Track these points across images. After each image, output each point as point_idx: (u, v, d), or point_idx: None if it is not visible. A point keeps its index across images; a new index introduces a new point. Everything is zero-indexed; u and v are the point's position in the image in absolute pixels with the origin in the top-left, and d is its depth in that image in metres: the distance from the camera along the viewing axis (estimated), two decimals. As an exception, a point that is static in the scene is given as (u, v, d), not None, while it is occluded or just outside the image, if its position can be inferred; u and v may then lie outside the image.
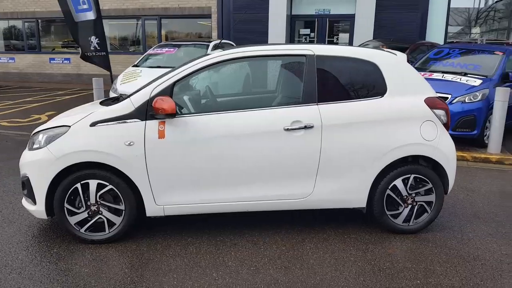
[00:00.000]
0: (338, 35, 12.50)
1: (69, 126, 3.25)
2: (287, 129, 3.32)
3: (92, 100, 7.61)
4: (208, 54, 3.49)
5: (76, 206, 3.28)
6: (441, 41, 11.27)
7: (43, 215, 3.31)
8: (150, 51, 8.86)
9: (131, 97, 3.32)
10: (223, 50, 3.50)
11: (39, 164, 3.21)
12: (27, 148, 3.46)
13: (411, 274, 2.98)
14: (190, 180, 3.31)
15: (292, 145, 3.34)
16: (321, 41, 12.42)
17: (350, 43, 12.19)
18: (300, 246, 3.37)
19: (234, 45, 9.37)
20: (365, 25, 11.47)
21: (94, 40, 7.78)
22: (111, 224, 3.34)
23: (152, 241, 3.41)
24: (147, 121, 3.24)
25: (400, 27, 11.39)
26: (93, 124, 3.23)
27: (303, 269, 3.01)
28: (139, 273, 2.93)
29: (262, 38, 12.12)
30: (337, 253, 3.27)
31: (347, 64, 3.51)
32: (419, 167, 3.53)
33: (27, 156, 3.33)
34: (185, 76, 3.35)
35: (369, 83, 3.51)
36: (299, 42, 12.64)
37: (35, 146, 3.33)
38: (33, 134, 3.46)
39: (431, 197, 3.59)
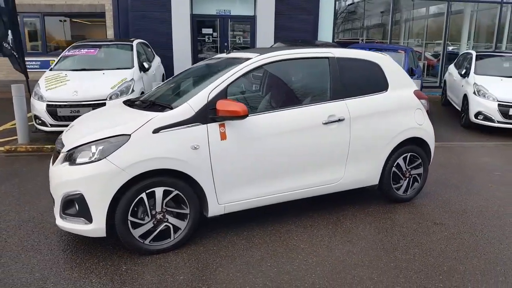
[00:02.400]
0: (240, 35, 13.08)
1: (129, 135, 3.09)
2: (325, 123, 3.75)
3: (12, 110, 6.69)
4: (248, 58, 3.66)
5: (139, 218, 3.16)
6: (329, 40, 12.80)
7: (102, 233, 3.08)
8: (65, 53, 8.09)
9: (189, 101, 3.31)
10: (239, 51, 3.73)
11: (99, 177, 2.98)
12: (63, 164, 3.13)
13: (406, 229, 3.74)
14: (248, 176, 3.49)
15: (329, 136, 3.79)
16: (224, 41, 12.83)
17: (253, 43, 12.91)
18: (339, 225, 3.85)
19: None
20: (266, 26, 12.29)
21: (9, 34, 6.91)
22: (176, 229, 3.30)
23: (204, 243, 3.46)
24: (208, 124, 3.30)
25: (297, 28, 12.54)
26: (156, 131, 3.15)
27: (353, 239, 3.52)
28: (203, 275, 3.02)
29: (165, 37, 11.94)
30: (363, 225, 3.85)
31: (359, 64, 4.09)
32: (414, 147, 4.33)
33: (75, 172, 3.03)
34: (236, 79, 3.48)
35: (376, 80, 4.16)
36: (203, 42, 12.84)
37: (82, 160, 3.06)
38: (72, 148, 3.13)
39: (421, 170, 4.44)
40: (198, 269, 3.04)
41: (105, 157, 3.01)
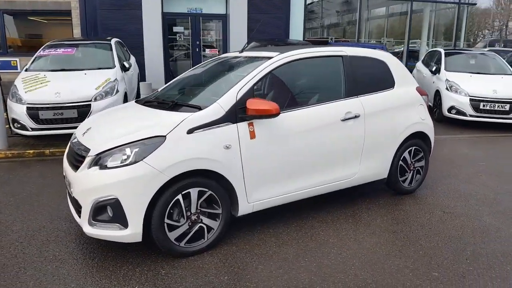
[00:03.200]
0: (211, 34, 12.99)
1: (165, 136, 3.03)
2: (343, 120, 3.86)
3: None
4: (270, 57, 3.69)
5: (175, 220, 3.10)
6: (300, 39, 13.01)
7: (137, 238, 3.00)
8: (40, 52, 7.69)
9: (218, 101, 3.29)
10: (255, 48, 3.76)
11: (136, 181, 2.90)
12: (92, 168, 3.00)
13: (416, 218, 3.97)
14: (275, 174, 3.52)
15: (346, 133, 3.90)
16: (195, 40, 12.69)
17: (225, 42, 12.87)
18: (358, 218, 3.97)
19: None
20: (239, 25, 12.30)
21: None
22: (209, 230, 3.27)
23: (234, 242, 3.45)
24: (238, 123, 3.30)
25: (270, 27, 12.65)
26: (191, 131, 3.11)
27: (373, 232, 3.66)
28: (247, 274, 3.04)
29: (136, 36, 11.64)
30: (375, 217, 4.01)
31: (368, 62, 4.24)
32: (417, 140, 4.54)
33: (108, 176, 2.92)
34: (261, 78, 3.50)
35: (384, 78, 4.32)
36: (174, 40, 12.63)
37: (114, 164, 2.95)
38: (102, 152, 3.01)
39: (423, 163, 4.67)
40: (240, 268, 3.04)
41: (141, 160, 2.93)
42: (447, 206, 4.28)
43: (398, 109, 4.30)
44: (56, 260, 3.16)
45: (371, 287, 2.82)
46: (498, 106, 8.05)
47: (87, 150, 3.12)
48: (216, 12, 12.64)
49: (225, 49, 13.01)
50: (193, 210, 3.16)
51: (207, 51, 13.02)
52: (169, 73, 12.66)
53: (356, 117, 3.93)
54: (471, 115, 8.19)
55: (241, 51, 4.21)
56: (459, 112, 8.27)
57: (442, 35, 16.89)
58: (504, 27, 45.90)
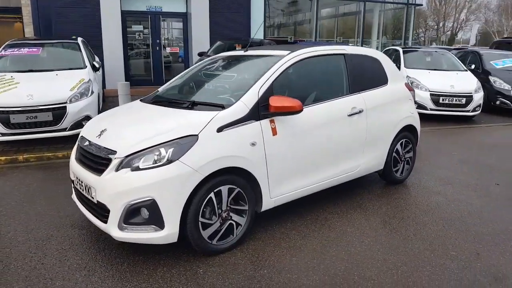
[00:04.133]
0: (171, 32, 12.77)
1: (197, 135, 3.02)
2: (349, 115, 4.05)
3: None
4: (282, 55, 3.77)
5: (207, 218, 3.10)
6: (261, 37, 13.17)
7: (173, 239, 2.97)
8: (1, 52, 7.18)
9: (242, 99, 3.32)
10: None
11: (173, 180, 2.87)
12: (123, 171, 2.91)
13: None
14: (294, 169, 3.62)
15: (352, 127, 4.09)
16: (155, 38, 12.41)
17: (187, 41, 12.71)
18: (365, 208, 4.19)
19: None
20: (201, 24, 12.21)
21: None
22: (237, 226, 3.30)
23: (259, 237, 3.51)
24: (261, 121, 3.36)
25: (232, 25, 12.68)
26: (220, 130, 3.12)
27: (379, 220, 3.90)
28: (286, 266, 3.14)
29: (94, 35, 11.17)
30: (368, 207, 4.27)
31: (365, 60, 4.46)
32: (407, 133, 4.85)
33: (143, 177, 2.86)
34: (279, 75, 3.58)
35: (379, 75, 4.57)
36: (134, 39, 12.27)
37: (147, 165, 2.89)
38: (133, 153, 2.95)
39: (411, 153, 4.99)
40: (275, 262, 3.10)
41: (177, 159, 2.90)
42: (438, 193, 4.62)
43: (392, 104, 4.57)
44: (81, 268, 3.04)
45: (403, 269, 3.01)
46: (455, 100, 8.72)
47: (113, 152, 3.03)
48: (176, 10, 12.45)
49: (186, 48, 12.87)
50: (223, 207, 3.18)
51: (168, 50, 12.80)
52: (129, 73, 12.30)
53: (360, 112, 4.13)
54: (431, 109, 8.79)
55: (246, 50, 4.25)
56: (420, 106, 8.83)
57: (391, 34, 17.84)
58: (436, 26, 49.32)
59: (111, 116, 3.75)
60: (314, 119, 3.71)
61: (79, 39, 8.02)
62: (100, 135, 3.31)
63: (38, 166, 5.70)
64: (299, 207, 4.10)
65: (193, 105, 3.47)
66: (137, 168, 2.90)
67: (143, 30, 12.27)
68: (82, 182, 3.27)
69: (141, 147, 2.95)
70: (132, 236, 2.95)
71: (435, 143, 7.04)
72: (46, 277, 2.91)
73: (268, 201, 3.49)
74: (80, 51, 7.55)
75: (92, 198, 3.11)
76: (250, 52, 4.20)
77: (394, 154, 4.71)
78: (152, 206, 2.87)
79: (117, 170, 2.95)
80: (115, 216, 2.94)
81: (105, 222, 3.03)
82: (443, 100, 8.69)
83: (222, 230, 3.20)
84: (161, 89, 4.35)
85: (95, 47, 10.99)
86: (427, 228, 3.70)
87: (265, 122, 3.37)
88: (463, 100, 8.73)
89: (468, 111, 8.85)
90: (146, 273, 2.96)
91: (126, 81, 11.87)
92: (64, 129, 6.26)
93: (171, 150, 2.92)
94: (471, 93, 8.78)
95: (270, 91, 3.45)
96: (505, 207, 4.23)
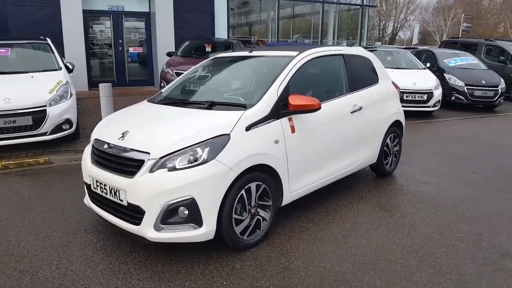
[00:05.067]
0: (135, 32, 12.49)
1: (229, 134, 3.10)
2: (351, 112, 4.29)
3: None
4: (292, 55, 3.93)
5: (239, 214, 3.20)
6: (225, 37, 13.25)
7: (210, 236, 3.03)
8: (-35, 53, 6.73)
9: (263, 98, 3.44)
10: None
11: (211, 179, 2.93)
12: (160, 171, 2.93)
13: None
14: (309, 164, 3.79)
15: (354, 123, 4.34)
16: (118, 38, 12.09)
17: (150, 40, 12.49)
18: (367, 199, 4.46)
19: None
20: (165, 23, 12.05)
21: None
22: (263, 221, 3.42)
23: (280, 231, 3.65)
24: (281, 119, 3.50)
25: (197, 25, 12.63)
26: (248, 128, 3.22)
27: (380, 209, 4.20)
28: (316, 257, 3.31)
29: (54, 35, 10.67)
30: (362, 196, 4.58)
31: (359, 60, 4.74)
32: (395, 128, 5.20)
33: (182, 176, 2.90)
34: (293, 74, 3.73)
35: (371, 74, 4.87)
36: (96, 39, 11.87)
37: (183, 164, 2.92)
38: (169, 154, 2.97)
39: (398, 147, 5.36)
40: (305, 253, 3.26)
41: (214, 158, 2.97)
42: (425, 183, 5.00)
43: (384, 101, 4.88)
44: (115, 272, 3.02)
45: (422, 252, 3.29)
46: (418, 97, 9.34)
47: (145, 153, 3.03)
48: (139, 10, 12.21)
49: (149, 48, 12.65)
50: (252, 203, 3.28)
51: (131, 49, 12.52)
52: (91, 73, 11.88)
53: (360, 109, 4.39)
54: (397, 105, 9.34)
55: (251, 51, 4.36)
56: (386, 102, 9.35)
57: (347, 34, 18.58)
58: (378, 27, 51.77)
59: (127, 118, 3.72)
60: (324, 116, 3.90)
61: (49, 40, 7.67)
62: (122, 137, 3.28)
63: (19, 173, 5.44)
64: (308, 201, 4.27)
65: (211, 106, 3.53)
66: (174, 168, 2.93)
67: (105, 30, 11.90)
68: (105, 185, 3.23)
69: (177, 148, 2.98)
70: (169, 236, 2.97)
71: (404, 137, 7.50)
72: (82, 284, 2.87)
73: (288, 196, 3.63)
74: (52, 52, 7.24)
75: (121, 200, 3.09)
76: (255, 53, 4.31)
77: (385, 148, 5.03)
78: (192, 205, 2.91)
79: (151, 171, 2.96)
80: (151, 217, 2.95)
81: (138, 224, 3.03)
82: (407, 96, 9.27)
83: (251, 226, 3.31)
84: (165, 90, 4.35)
85: (56, 47, 10.51)
86: (428, 214, 4.03)
87: (285, 120, 3.51)
88: (425, 97, 9.37)
89: (429, 106, 9.51)
90: (184, 272, 3.00)
91: (89, 82, 11.47)
92: (44, 134, 6.01)
93: (207, 149, 2.98)
94: (431, 89, 9.44)
95: (287, 90, 3.59)
96: (489, 192, 4.68)
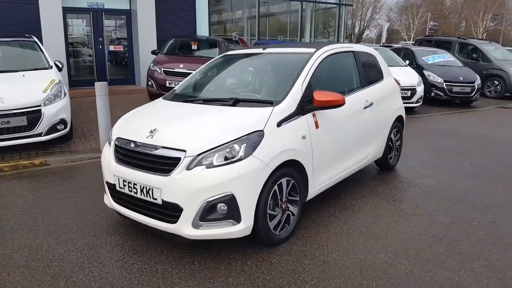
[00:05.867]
0: (116, 30, 12.20)
1: (262, 130, 3.12)
2: (364, 108, 4.40)
3: None
4: (309, 52, 3.98)
5: (272, 209, 3.22)
6: (207, 35, 13.16)
7: (248, 232, 3.04)
8: None
9: (290, 94, 3.47)
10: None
11: (249, 175, 2.94)
12: (198, 168, 2.91)
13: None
14: (330, 159, 3.86)
15: (366, 118, 4.45)
16: (98, 36, 11.77)
17: (131, 38, 12.23)
18: (378, 193, 4.58)
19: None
20: (147, 21, 11.84)
21: None
22: (292, 216, 3.46)
23: (306, 226, 3.70)
24: (306, 115, 3.55)
25: (179, 23, 12.48)
26: (279, 124, 3.25)
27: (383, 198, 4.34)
28: (349, 249, 3.39)
29: (33, 33, 10.27)
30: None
31: (367, 57, 4.86)
32: (398, 123, 5.36)
33: (221, 173, 2.89)
34: (314, 71, 3.79)
35: (377, 70, 5.00)
36: (75, 37, 11.51)
37: (221, 161, 2.92)
38: (206, 151, 2.95)
39: (399, 142, 5.53)
40: (337, 246, 3.32)
41: (251, 154, 2.98)
42: (427, 175, 5.19)
43: (389, 97, 5.02)
44: (152, 272, 2.97)
45: (446, 240, 3.42)
46: (402, 93, 9.57)
47: (181, 151, 3.00)
48: (119, 7, 11.93)
49: (130, 46, 12.40)
50: (283, 199, 3.31)
51: (111, 48, 12.23)
52: (70, 72, 11.53)
53: (371, 105, 4.50)
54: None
55: (264, 48, 4.37)
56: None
57: (323, 32, 18.86)
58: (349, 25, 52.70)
59: (148, 116, 3.66)
60: (342, 111, 3.97)
61: (35, 38, 7.40)
62: (151, 135, 3.22)
63: (16, 176, 5.24)
64: (324, 197, 4.33)
65: (235, 102, 3.54)
66: (212, 165, 2.92)
67: (85, 28, 11.57)
68: (135, 184, 3.17)
69: (214, 145, 2.97)
70: (207, 233, 2.96)
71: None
72: (121, 285, 2.81)
73: (312, 191, 3.69)
74: (41, 50, 7.00)
75: (155, 199, 3.05)
76: (269, 50, 4.33)
77: (389, 142, 5.18)
78: (231, 201, 2.91)
79: (188, 168, 2.94)
80: (189, 214, 2.93)
81: (174, 222, 3.00)
82: (392, 93, 9.52)
83: (283, 221, 3.34)
84: (179, 87, 4.31)
85: (35, 45, 10.13)
86: (441, 205, 4.19)
87: (309, 116, 3.56)
88: (409, 93, 9.67)
89: (412, 102, 9.82)
90: (223, 268, 3.00)
91: (69, 81, 11.13)
92: (39, 134, 5.82)
93: (244, 146, 2.99)
94: (414, 86, 9.76)
95: (310, 86, 3.65)
96: (490, 182, 4.92)
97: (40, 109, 5.76)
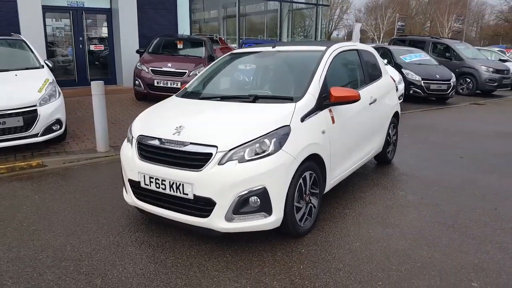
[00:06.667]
0: (97, 29, 11.96)
1: (289, 125, 3.23)
2: (370, 103, 4.59)
3: None
4: (321, 50, 4.12)
5: (297, 202, 3.33)
6: (188, 33, 13.11)
7: (278, 224, 3.14)
8: None
9: (309, 91, 3.59)
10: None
11: (280, 168, 3.05)
12: (231, 163, 2.98)
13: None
14: (343, 154, 4.02)
15: (371, 114, 4.64)
16: (78, 35, 11.51)
17: (112, 37, 12.03)
18: (384, 186, 4.79)
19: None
20: (128, 21, 11.68)
21: None
22: (314, 208, 3.58)
23: (322, 218, 3.83)
24: (323, 110, 3.68)
25: (160, 22, 12.37)
26: (302, 119, 3.37)
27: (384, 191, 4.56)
28: (370, 239, 3.55)
29: (12, 31, 9.94)
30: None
31: (368, 54, 5.05)
32: (394, 119, 5.60)
33: (254, 167, 2.98)
34: (329, 66, 3.93)
35: (377, 68, 5.21)
36: (55, 36, 11.21)
37: (251, 156, 3.01)
38: (238, 146, 3.03)
39: (395, 136, 5.77)
40: (358, 235, 3.47)
41: (280, 149, 3.08)
42: (424, 168, 5.45)
43: (388, 93, 5.25)
44: (187, 265, 3.01)
45: (457, 227, 3.64)
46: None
47: (212, 146, 3.06)
48: (100, 6, 11.72)
49: (111, 45, 12.19)
50: (307, 192, 3.44)
51: (92, 47, 11.99)
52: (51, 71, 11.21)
53: (375, 101, 4.70)
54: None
55: (274, 46, 4.48)
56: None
57: (299, 32, 19.13)
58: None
59: (168, 114, 3.70)
60: (353, 107, 4.13)
61: (22, 36, 7.20)
62: (178, 132, 3.26)
63: (14, 178, 5.11)
64: (333, 190, 4.49)
65: (255, 99, 3.63)
66: (244, 160, 3.01)
67: (64, 27, 11.29)
68: (164, 180, 3.20)
69: (245, 140, 3.05)
70: (240, 226, 3.05)
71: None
72: (161, 280, 2.85)
73: (328, 184, 3.83)
74: (30, 49, 6.82)
75: (186, 194, 3.10)
76: (278, 48, 4.44)
77: (387, 137, 5.40)
78: (263, 194, 3.01)
79: (220, 163, 3.01)
80: (222, 208, 3.00)
81: (205, 216, 3.06)
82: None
83: (306, 213, 3.46)
84: (190, 85, 4.35)
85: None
86: (444, 195, 4.43)
87: (326, 112, 3.70)
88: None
89: (395, 99, 10.17)
90: (256, 260, 3.09)
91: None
92: (36, 135, 5.70)
93: (274, 140, 3.09)
94: (396, 84, 10.10)
95: (326, 83, 3.78)
96: (482, 173, 5.22)
97: (36, 109, 5.63)
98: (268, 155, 3.04)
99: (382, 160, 5.51)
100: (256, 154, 3.05)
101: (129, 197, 3.58)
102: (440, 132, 7.87)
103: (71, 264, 3.06)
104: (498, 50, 19.21)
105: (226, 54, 4.78)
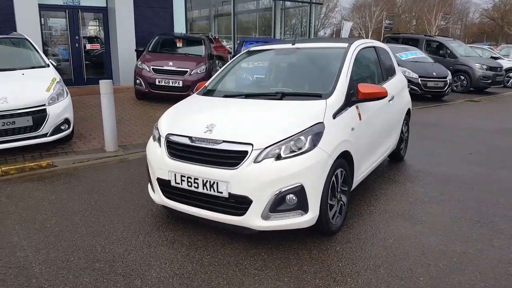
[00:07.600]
0: (93, 28, 11.79)
1: (322, 122, 3.22)
2: (389, 100, 4.61)
3: None
4: (343, 47, 4.13)
5: (331, 199, 3.33)
6: (183, 32, 13.02)
7: (313, 222, 3.13)
8: None
9: (337, 87, 3.59)
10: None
11: (317, 166, 3.04)
12: (267, 161, 2.97)
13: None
14: (368, 150, 4.03)
15: (390, 110, 4.66)
16: (74, 34, 11.33)
17: (108, 36, 11.87)
18: (397, 183, 4.83)
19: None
20: (125, 19, 11.53)
21: None
22: (343, 206, 3.58)
23: (348, 216, 3.83)
24: (351, 107, 3.69)
25: (157, 21, 12.24)
26: (334, 116, 3.37)
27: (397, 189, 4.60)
28: (397, 234, 3.58)
29: (8, 31, 9.73)
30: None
31: (383, 51, 5.07)
32: (407, 116, 5.65)
33: (291, 165, 2.96)
34: (353, 64, 3.93)
35: (392, 64, 5.24)
36: (52, 35, 11.01)
37: (287, 153, 2.99)
38: (274, 144, 3.02)
39: (407, 133, 5.82)
40: (389, 232, 3.48)
41: (316, 146, 3.07)
42: (436, 164, 5.50)
43: (402, 91, 5.29)
44: (225, 264, 2.99)
45: (483, 222, 3.69)
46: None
47: (247, 144, 3.04)
48: (96, 4, 11.54)
49: (108, 44, 12.04)
50: (338, 189, 3.44)
51: (88, 46, 11.81)
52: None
53: (392, 98, 4.73)
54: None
55: (293, 43, 4.46)
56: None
57: (292, 30, 19.16)
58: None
59: (197, 112, 3.67)
60: (376, 104, 4.15)
61: (25, 35, 7.05)
62: (209, 130, 3.22)
63: (26, 178, 5.02)
64: (355, 188, 4.51)
65: (282, 96, 3.62)
66: (281, 157, 2.99)
67: (61, 26, 11.09)
68: (196, 179, 3.17)
69: (281, 137, 3.03)
70: (276, 224, 3.03)
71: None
72: (203, 279, 2.82)
73: (355, 181, 3.84)
74: (34, 48, 6.68)
75: (220, 192, 3.07)
76: (298, 45, 4.42)
77: (401, 133, 5.44)
78: (300, 192, 3.00)
79: (256, 161, 2.99)
80: (259, 206, 2.98)
81: (241, 214, 3.04)
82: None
83: (337, 211, 3.46)
84: (209, 83, 4.31)
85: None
86: (462, 191, 4.48)
87: (354, 108, 3.71)
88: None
89: (395, 97, 10.26)
90: (293, 258, 3.08)
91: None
92: (45, 135, 5.58)
93: (309, 137, 3.08)
94: (396, 81, 10.19)
95: (352, 79, 3.79)
96: (495, 169, 5.30)
97: (45, 109, 5.52)
98: (304, 152, 3.03)
99: (395, 157, 5.55)
100: (292, 151, 3.03)
101: (157, 196, 3.53)
102: (445, 129, 7.96)
103: (105, 266, 3.01)
104: (487, 47, 19.55)
105: (243, 52, 4.75)
